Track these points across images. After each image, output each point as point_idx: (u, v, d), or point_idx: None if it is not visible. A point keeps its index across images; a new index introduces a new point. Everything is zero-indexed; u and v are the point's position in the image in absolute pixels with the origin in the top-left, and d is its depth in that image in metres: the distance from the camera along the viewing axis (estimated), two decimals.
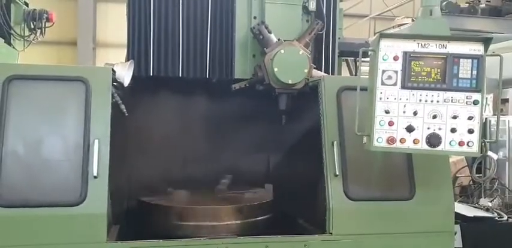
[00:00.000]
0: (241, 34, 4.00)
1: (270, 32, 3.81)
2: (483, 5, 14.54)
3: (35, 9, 6.03)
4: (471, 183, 7.72)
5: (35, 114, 3.28)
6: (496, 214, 5.97)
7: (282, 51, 3.71)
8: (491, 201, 6.69)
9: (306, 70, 3.75)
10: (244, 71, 4.00)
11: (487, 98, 8.20)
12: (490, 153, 6.09)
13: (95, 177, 3.16)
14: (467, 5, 14.49)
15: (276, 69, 3.70)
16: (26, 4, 6.06)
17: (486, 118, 7.77)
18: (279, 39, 3.81)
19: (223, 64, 4.00)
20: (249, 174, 4.50)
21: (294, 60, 3.73)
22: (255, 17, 3.98)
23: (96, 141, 3.21)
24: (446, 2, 13.43)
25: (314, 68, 3.89)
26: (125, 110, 3.62)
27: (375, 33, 14.64)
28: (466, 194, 7.47)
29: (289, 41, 3.83)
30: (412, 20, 12.65)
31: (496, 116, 3.63)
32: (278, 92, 3.85)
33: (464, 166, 8.00)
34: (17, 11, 5.75)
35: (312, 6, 4.06)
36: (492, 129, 7.89)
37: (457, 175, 7.83)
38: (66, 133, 3.28)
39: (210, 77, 4.01)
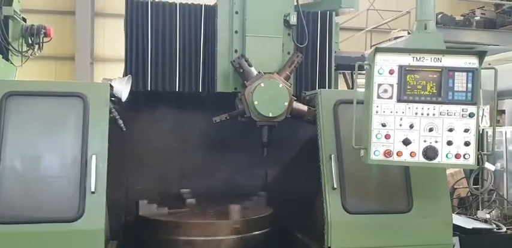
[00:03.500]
0: (223, 49, 4.01)
1: (250, 65, 3.82)
2: (478, 18, 14.63)
3: (32, 25, 6.05)
4: (469, 194, 7.70)
5: (33, 130, 3.28)
6: (494, 226, 5.96)
7: (262, 84, 3.73)
8: (489, 213, 6.67)
9: (286, 103, 3.77)
10: (226, 85, 4.02)
11: (483, 110, 8.23)
12: (487, 164, 6.10)
13: (93, 192, 3.16)
14: (463, 17, 14.61)
15: (256, 102, 3.72)
16: (24, 20, 6.09)
17: (483, 130, 7.80)
18: (259, 72, 3.82)
19: (210, 79, 4.06)
20: (247, 187, 4.49)
21: (274, 93, 3.76)
22: (236, 32, 3.98)
23: (94, 157, 3.22)
24: (441, 14, 13.53)
25: (294, 100, 3.90)
26: (122, 125, 3.63)
27: (371, 46, 14.73)
28: (465, 206, 7.44)
29: (270, 74, 3.84)
30: (408, 33, 12.73)
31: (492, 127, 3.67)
32: (259, 124, 3.87)
33: (462, 178, 7.98)
34: (15, 27, 5.76)
35: (293, 20, 4.01)
36: (489, 140, 7.92)
37: (455, 186, 7.82)
38: (64, 148, 3.29)
39: (201, 91, 4.07)
